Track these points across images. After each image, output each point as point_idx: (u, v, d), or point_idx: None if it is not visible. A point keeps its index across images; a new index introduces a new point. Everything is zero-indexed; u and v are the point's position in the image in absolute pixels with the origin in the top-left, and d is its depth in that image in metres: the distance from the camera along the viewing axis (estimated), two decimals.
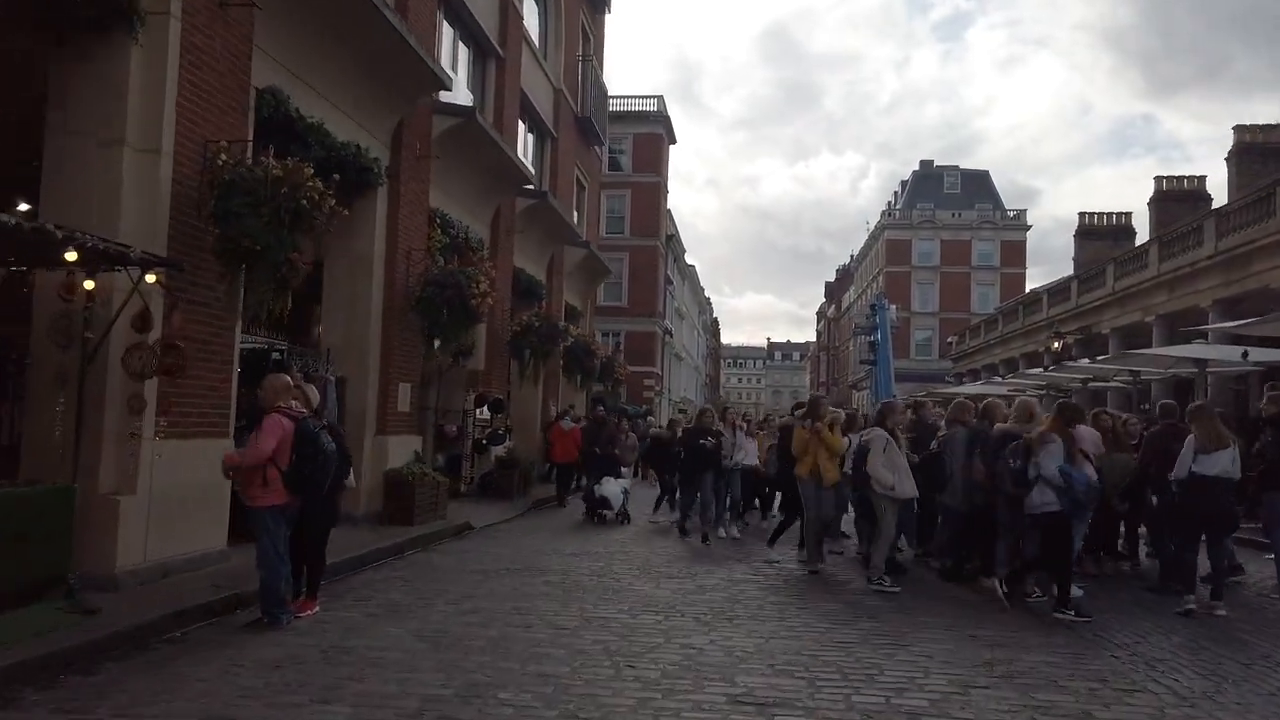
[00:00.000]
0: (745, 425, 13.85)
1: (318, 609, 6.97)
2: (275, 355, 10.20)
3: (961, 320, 69.06)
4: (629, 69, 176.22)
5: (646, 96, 54.49)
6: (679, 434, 14.57)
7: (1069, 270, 42.17)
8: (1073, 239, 40.81)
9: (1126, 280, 25.40)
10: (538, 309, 17.62)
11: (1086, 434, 8.41)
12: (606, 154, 53.80)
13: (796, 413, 10.92)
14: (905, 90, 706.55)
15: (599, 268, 25.15)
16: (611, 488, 14.08)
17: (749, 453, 13.19)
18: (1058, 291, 31.19)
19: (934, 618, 7.31)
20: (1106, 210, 40.27)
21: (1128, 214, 40.25)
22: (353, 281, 11.84)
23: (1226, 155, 28.26)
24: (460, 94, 15.34)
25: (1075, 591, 7.60)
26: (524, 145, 19.92)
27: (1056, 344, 27.54)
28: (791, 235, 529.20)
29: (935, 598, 8.24)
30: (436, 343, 12.62)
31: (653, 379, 52.08)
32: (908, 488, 8.59)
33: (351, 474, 7.54)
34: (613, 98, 51.53)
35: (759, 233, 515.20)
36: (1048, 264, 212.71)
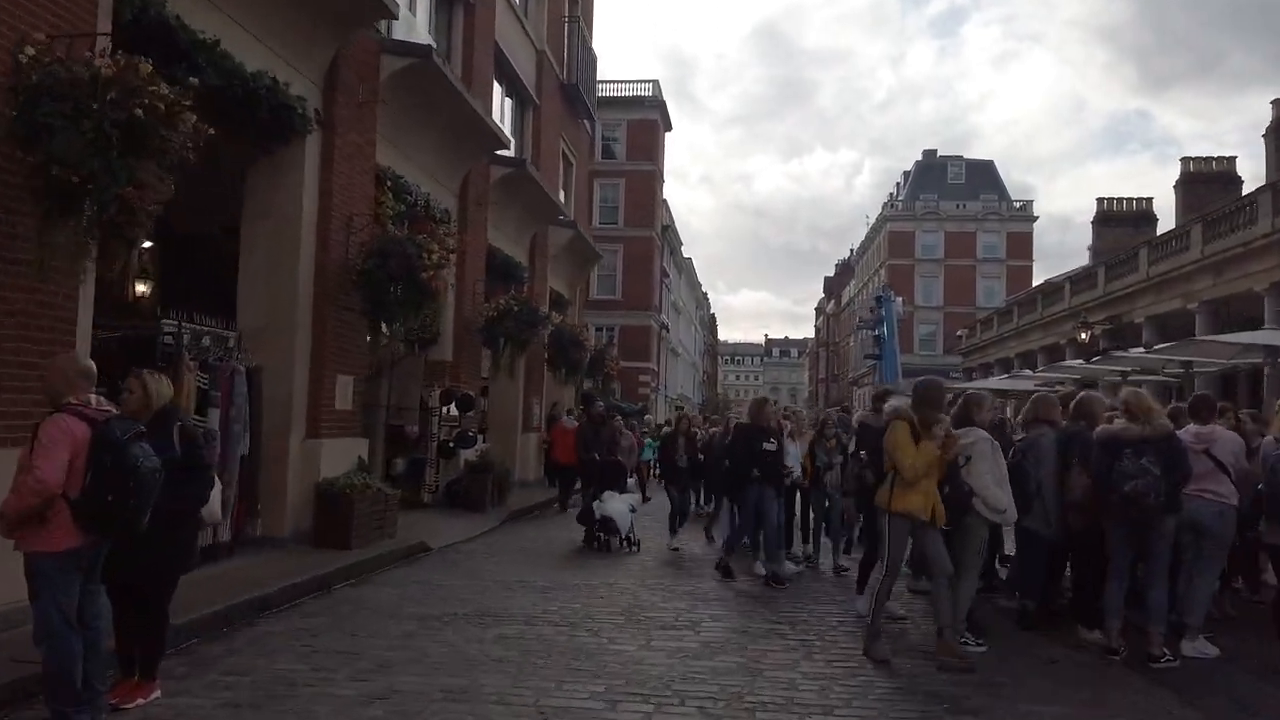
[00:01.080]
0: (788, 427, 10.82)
1: (156, 695, 4.82)
2: (165, 339, 8.01)
3: (966, 315, 67.02)
4: (623, 65, 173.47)
5: (641, 81, 52.33)
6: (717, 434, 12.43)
7: (1067, 267, 40.14)
8: (1090, 226, 38.77)
9: (1164, 265, 23.26)
10: (515, 292, 15.43)
11: (1227, 439, 6.26)
12: (600, 140, 51.84)
13: (888, 405, 7.10)
14: (901, 86, 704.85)
15: (588, 252, 22.97)
16: (616, 505, 11.40)
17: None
18: (1082, 279, 29.08)
19: (1042, 703, 5.15)
20: (1126, 195, 38.17)
21: (1148, 199, 38.22)
22: (276, 250, 9.65)
23: (1265, 131, 26.45)
24: (420, 38, 13.14)
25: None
26: (501, 110, 17.75)
27: (1084, 334, 25.43)
28: (786, 233, 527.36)
29: (1026, 660, 6.08)
30: (385, 327, 10.43)
31: (648, 375, 49.95)
32: (1014, 508, 6.31)
33: (219, 499, 5.37)
34: (605, 82, 49.32)
35: (753, 230, 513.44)
36: (1045, 260, 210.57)
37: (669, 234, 57.72)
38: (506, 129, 17.21)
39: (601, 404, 13.69)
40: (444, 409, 13.94)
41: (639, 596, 8.22)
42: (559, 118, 21.53)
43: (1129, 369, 18.70)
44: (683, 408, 53.57)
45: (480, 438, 15.17)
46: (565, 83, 21.58)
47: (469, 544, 11.49)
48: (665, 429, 17.38)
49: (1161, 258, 23.52)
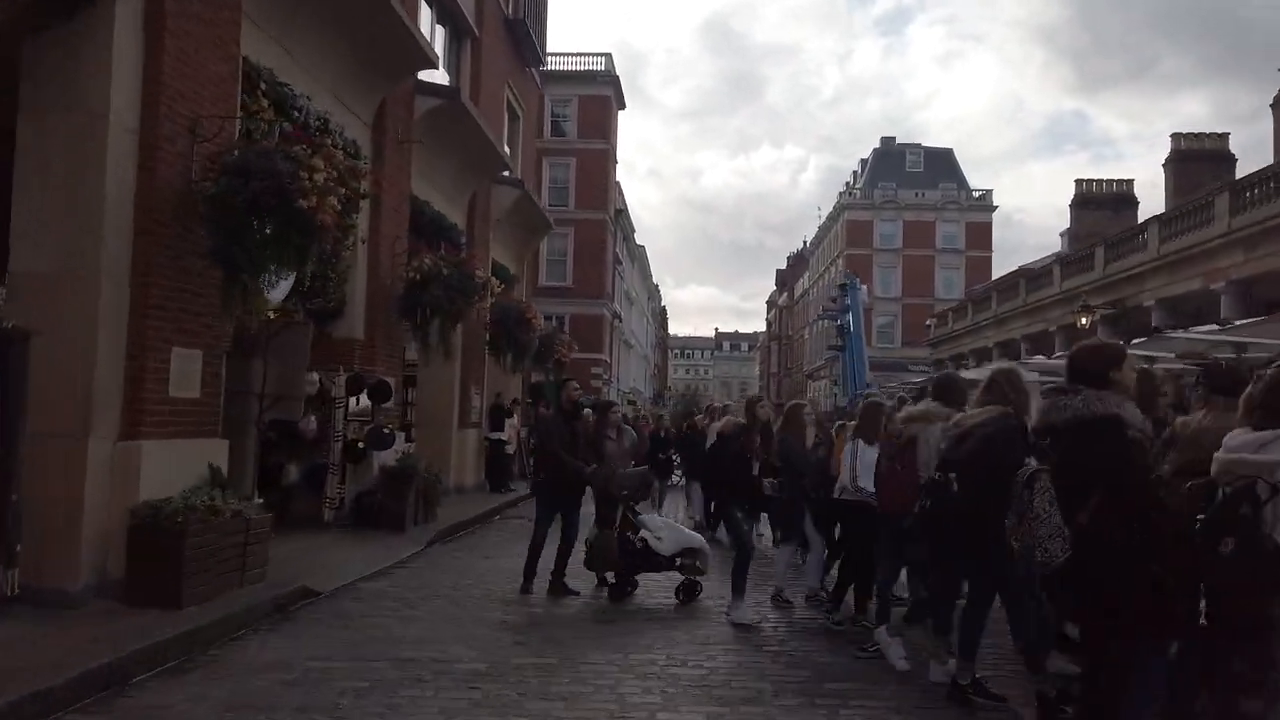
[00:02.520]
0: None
1: None
2: None
3: (924, 306, 65.33)
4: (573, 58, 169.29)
5: (593, 54, 49.21)
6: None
7: (1017, 262, 38.34)
8: (1068, 210, 36.79)
9: (1179, 241, 20.97)
10: (446, 251, 12.23)
11: None
12: (549, 115, 48.70)
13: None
14: (847, 84, 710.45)
15: (537, 218, 19.83)
16: (674, 536, 7.97)
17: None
18: (1075, 261, 26.82)
19: None
20: (1104, 178, 36.26)
21: (1129, 181, 36.36)
22: (73, 161, 6.45)
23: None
24: None
25: None
26: (430, 38, 14.54)
27: (1084, 319, 23.10)
28: (733, 229, 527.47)
29: None
30: (249, 281, 7.25)
31: (600, 367, 46.93)
32: None
33: None
34: (556, 55, 46.14)
35: (701, 225, 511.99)
36: (996, 253, 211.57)
37: (622, 219, 54.77)
38: (440, 65, 14.01)
39: (578, 387, 9.52)
40: (352, 400, 10.79)
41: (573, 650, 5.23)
42: (503, 59, 18.36)
43: (1155, 354, 16.21)
44: (634, 401, 50.67)
45: (401, 436, 12.04)
46: (510, 17, 18.44)
47: (375, 582, 8.39)
48: (700, 419, 14.29)
49: (1177, 233, 21.23)
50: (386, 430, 10.82)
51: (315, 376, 10.52)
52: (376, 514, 10.71)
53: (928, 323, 47.74)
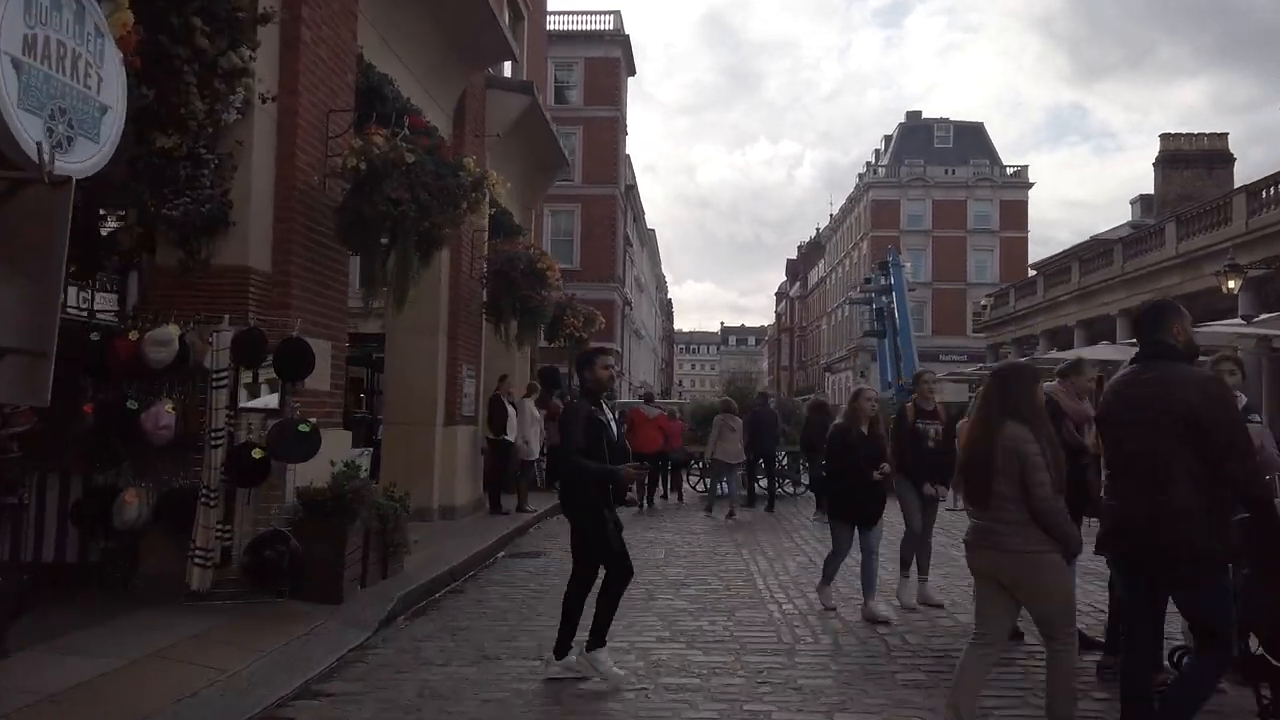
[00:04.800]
0: None
1: None
2: None
3: (955, 291, 60.82)
4: None
5: (599, 12, 44.40)
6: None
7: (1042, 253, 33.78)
8: (1153, 169, 32.07)
9: None
10: (411, 128, 7.35)
11: None
12: (551, 82, 44.03)
13: None
14: (846, 78, 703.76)
15: (549, 146, 15.00)
16: None
17: None
18: (1198, 217, 22.15)
19: None
20: (1195, 131, 31.57)
21: (1223, 135, 31.61)
22: None
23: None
24: None
25: None
26: None
27: (1232, 282, 18.43)
28: (729, 224, 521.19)
29: None
30: None
31: (612, 357, 41.99)
32: None
33: None
34: (557, 13, 41.55)
35: (698, 221, 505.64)
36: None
37: (632, 195, 50.05)
38: None
39: (611, 362, 5.51)
40: (247, 374, 6.10)
41: None
42: None
43: None
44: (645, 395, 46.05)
45: (341, 438, 7.35)
46: None
47: None
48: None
49: None
50: (304, 427, 6.11)
51: (171, 331, 5.84)
52: (289, 572, 6.02)
53: (981, 303, 43.04)
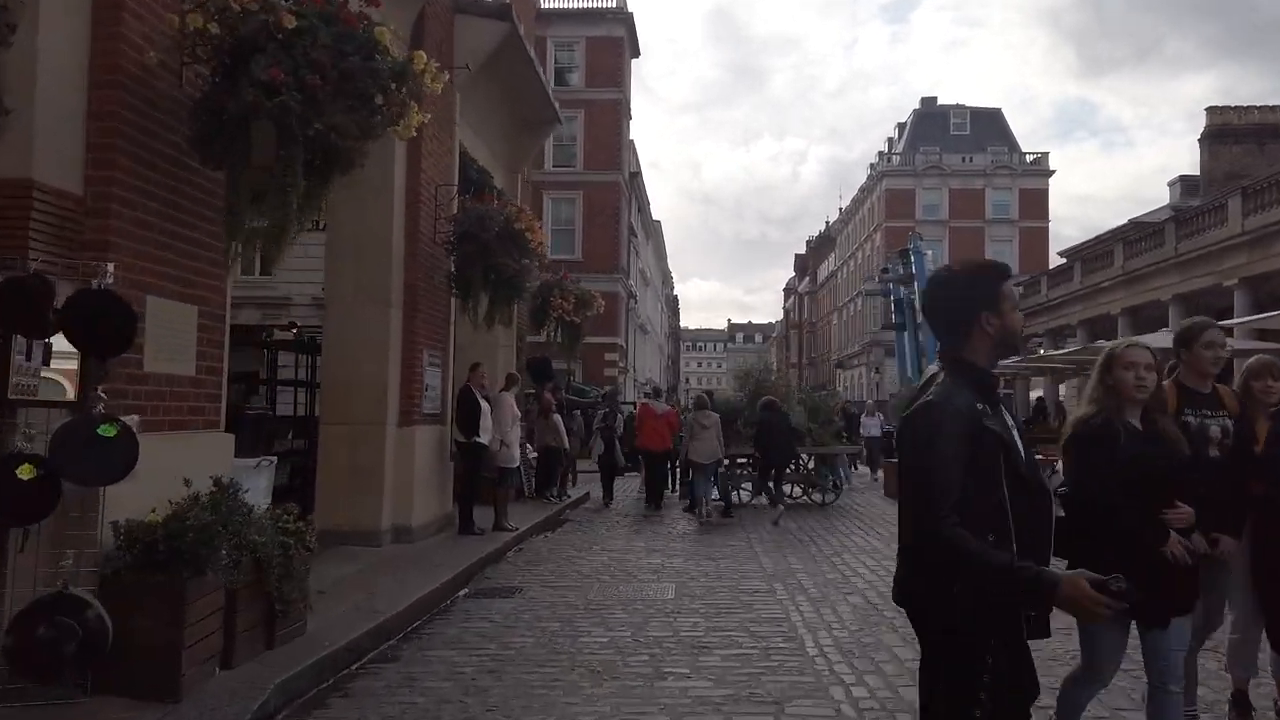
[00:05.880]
0: None
1: None
2: None
3: None
4: None
5: None
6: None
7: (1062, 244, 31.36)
8: (1198, 145, 29.66)
9: None
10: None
11: None
12: (551, 61, 41.86)
13: None
14: (852, 74, 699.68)
15: (533, 90, 12.52)
16: None
17: None
18: (1270, 188, 19.75)
19: None
20: (1246, 104, 29.14)
21: (1275, 107, 29.20)
22: None
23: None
24: None
25: None
26: None
27: None
28: (735, 221, 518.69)
29: None
30: None
31: (616, 352, 40.16)
32: None
33: None
34: None
35: (702, 218, 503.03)
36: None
37: (637, 183, 47.81)
38: None
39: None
40: (21, 344, 3.87)
41: None
42: None
43: None
44: (649, 393, 43.74)
45: (214, 445, 5.13)
46: None
47: None
48: None
49: None
50: (107, 430, 3.89)
51: None
52: (81, 657, 3.79)
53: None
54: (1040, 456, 3.52)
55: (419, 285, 9.06)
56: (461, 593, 7.47)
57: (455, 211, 9.43)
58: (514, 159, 13.45)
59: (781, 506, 12.51)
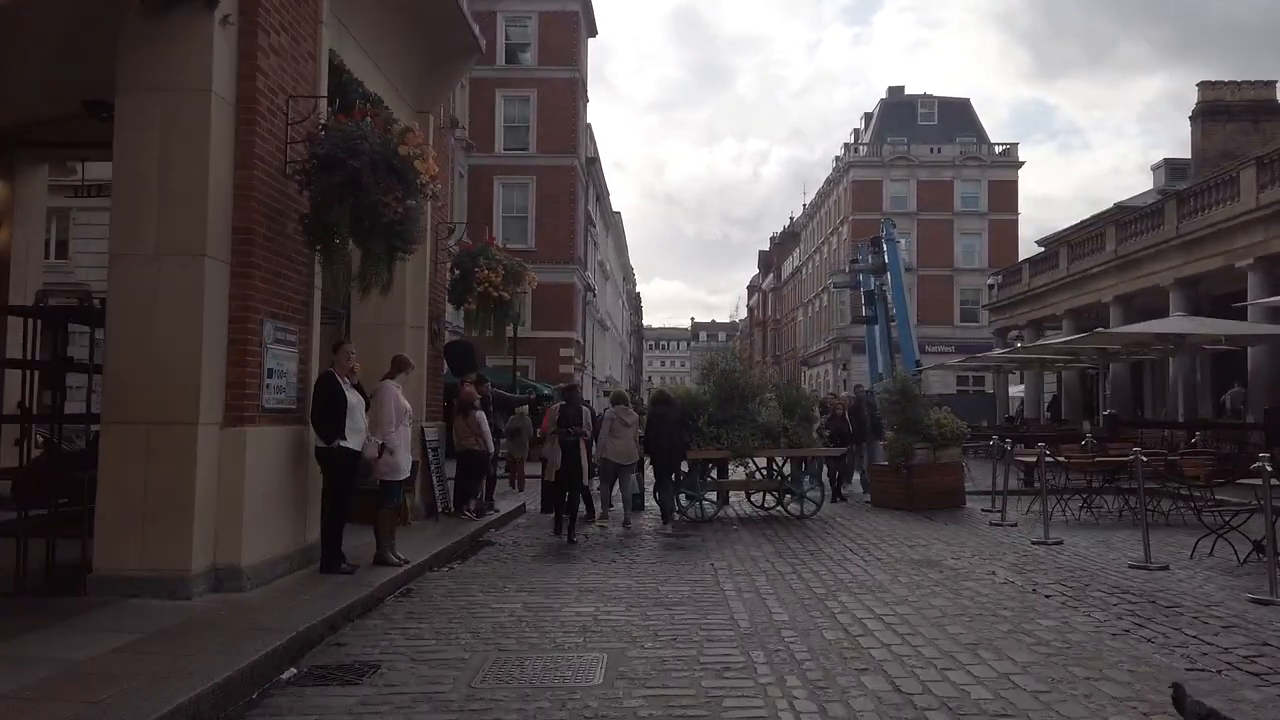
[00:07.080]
0: None
1: None
2: None
3: (942, 277, 56.84)
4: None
5: None
6: None
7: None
8: (1189, 123, 27.85)
9: None
10: None
11: None
12: (502, 39, 39.26)
13: None
14: (816, 74, 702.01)
15: (448, 9, 9.91)
16: None
17: None
18: (1216, 185, 17.77)
19: None
20: (1239, 79, 27.37)
21: (1270, 83, 27.49)
22: None
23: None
24: None
25: None
26: None
27: None
28: (697, 221, 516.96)
29: None
30: None
31: (571, 348, 37.58)
32: None
33: None
34: None
35: (665, 218, 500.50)
36: None
37: (595, 169, 45.31)
38: None
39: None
40: None
41: None
42: None
43: None
44: (609, 392, 41.34)
45: None
46: None
47: None
48: None
49: None
50: None
51: None
52: None
53: (989, 282, 38.82)
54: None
55: (256, 231, 6.49)
56: (286, 674, 4.94)
57: (314, 128, 6.86)
58: (423, 94, 10.84)
59: (669, 525, 11.03)
